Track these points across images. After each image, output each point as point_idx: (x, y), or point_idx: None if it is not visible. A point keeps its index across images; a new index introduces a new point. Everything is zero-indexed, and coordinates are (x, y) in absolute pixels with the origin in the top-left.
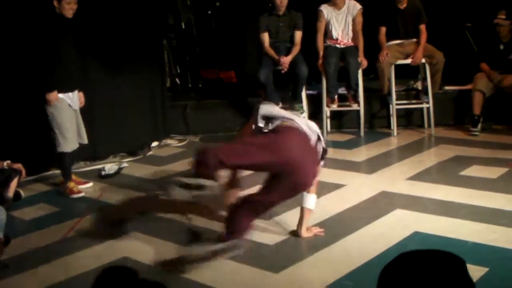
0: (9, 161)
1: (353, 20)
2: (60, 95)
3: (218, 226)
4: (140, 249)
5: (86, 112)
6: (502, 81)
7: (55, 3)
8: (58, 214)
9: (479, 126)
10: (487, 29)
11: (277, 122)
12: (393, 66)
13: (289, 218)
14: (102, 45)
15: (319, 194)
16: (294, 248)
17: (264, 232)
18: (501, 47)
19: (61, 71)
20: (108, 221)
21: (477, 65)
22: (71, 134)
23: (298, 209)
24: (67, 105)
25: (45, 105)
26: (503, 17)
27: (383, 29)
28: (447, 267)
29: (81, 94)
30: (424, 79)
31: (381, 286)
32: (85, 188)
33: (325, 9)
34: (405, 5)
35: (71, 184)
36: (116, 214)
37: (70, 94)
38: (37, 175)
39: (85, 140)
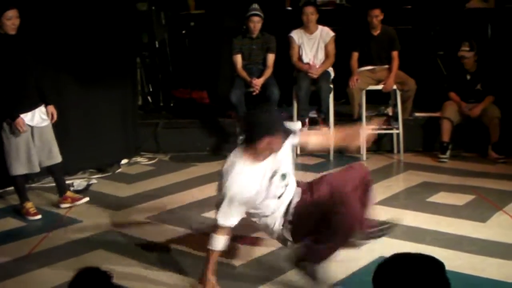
0: None
1: (325, 47)
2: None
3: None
4: (105, 267)
5: (57, 127)
6: (471, 110)
7: None
8: (24, 229)
9: (448, 153)
10: (454, 59)
11: None
12: (364, 92)
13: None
14: (75, 61)
15: None
16: (259, 270)
17: (230, 254)
18: (468, 77)
19: (14, 92)
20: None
21: (447, 94)
22: (26, 156)
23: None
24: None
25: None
26: (467, 49)
27: (355, 55)
28: (430, 267)
29: (51, 108)
30: (395, 105)
31: (376, 281)
32: (81, 204)
33: (296, 34)
34: (378, 31)
35: (28, 205)
36: None
37: (30, 114)
38: (3, 189)
39: (57, 159)
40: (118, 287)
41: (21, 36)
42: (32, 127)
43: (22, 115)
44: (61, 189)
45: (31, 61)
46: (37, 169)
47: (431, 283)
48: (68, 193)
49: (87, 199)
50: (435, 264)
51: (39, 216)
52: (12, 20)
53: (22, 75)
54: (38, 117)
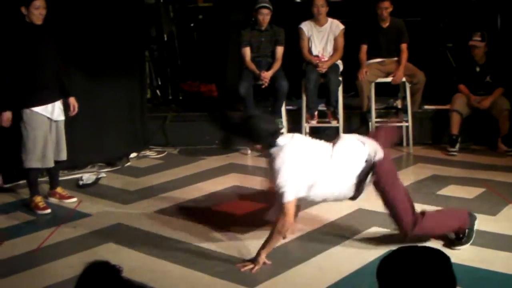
0: None
1: (335, 40)
2: (37, 109)
3: None
4: (115, 260)
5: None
6: (480, 103)
7: (23, 10)
8: (33, 223)
9: (457, 146)
10: (463, 51)
11: None
12: (373, 84)
13: (263, 234)
14: (83, 55)
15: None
16: (269, 264)
17: (238, 247)
18: (477, 69)
19: (34, 83)
20: None
21: (456, 86)
22: (42, 151)
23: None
24: (44, 119)
25: (19, 117)
26: (478, 39)
27: (364, 47)
28: (436, 261)
29: (72, 99)
30: (404, 97)
31: (380, 276)
32: (70, 203)
33: (305, 26)
34: (387, 24)
35: (37, 199)
36: None
37: (50, 106)
38: (14, 183)
39: (64, 157)
40: (127, 281)
41: (47, 27)
42: (51, 120)
43: (42, 107)
44: (54, 183)
45: (54, 53)
46: (52, 164)
47: (436, 276)
48: (58, 189)
49: (75, 199)
50: (441, 257)
51: (48, 210)
52: (39, 10)
53: (44, 66)
54: (57, 111)
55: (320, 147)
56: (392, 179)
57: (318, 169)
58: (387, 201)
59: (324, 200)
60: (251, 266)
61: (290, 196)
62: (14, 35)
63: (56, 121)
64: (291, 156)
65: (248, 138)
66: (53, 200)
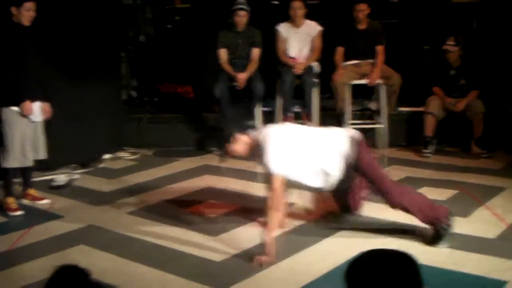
0: None
1: (312, 41)
2: (16, 108)
3: None
4: (86, 262)
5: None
6: (455, 105)
7: (13, 10)
8: (5, 224)
9: (431, 147)
10: (438, 54)
11: None
12: (348, 86)
13: (236, 235)
14: (59, 55)
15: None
16: (241, 265)
17: (211, 249)
18: (452, 72)
19: (20, 80)
20: None
21: (431, 88)
22: (21, 149)
23: (245, 227)
24: (21, 119)
25: None
26: (452, 43)
27: (340, 49)
28: (403, 264)
29: (46, 104)
30: (379, 99)
31: (348, 278)
32: (42, 204)
33: (283, 28)
34: (364, 26)
35: (10, 200)
36: None
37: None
38: None
39: (43, 156)
40: (97, 284)
41: (33, 29)
42: (29, 120)
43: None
44: (26, 184)
45: (36, 55)
46: (31, 163)
47: (403, 279)
48: (31, 191)
49: (48, 201)
50: (408, 260)
51: (20, 212)
52: (30, 12)
53: (26, 67)
54: (37, 111)
55: (304, 128)
56: (372, 158)
57: (302, 144)
58: (372, 176)
59: (309, 183)
60: (266, 258)
61: (276, 168)
62: (1, 34)
63: (34, 122)
64: (274, 135)
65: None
66: (25, 201)
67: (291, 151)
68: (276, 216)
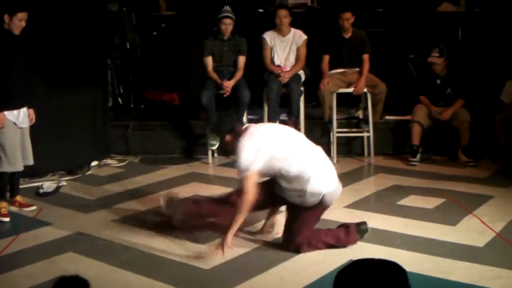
0: None
1: (297, 50)
2: (5, 113)
3: None
4: (75, 269)
5: None
6: (441, 114)
7: (6, 17)
8: None
9: (418, 156)
10: (424, 63)
11: None
12: (334, 94)
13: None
14: (45, 62)
15: (256, 220)
16: (229, 273)
17: (199, 257)
18: (438, 81)
19: (6, 88)
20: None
21: (417, 97)
22: (12, 154)
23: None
24: (12, 124)
25: None
26: (436, 55)
27: (326, 57)
28: (392, 274)
29: (30, 111)
30: (366, 108)
31: (337, 287)
32: (29, 211)
33: (268, 36)
34: (349, 34)
35: (2, 205)
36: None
37: (16, 112)
38: None
39: (30, 161)
40: None
41: (23, 38)
42: (17, 126)
43: (8, 112)
44: (14, 191)
45: (23, 62)
46: (21, 168)
47: None
48: (18, 198)
49: (34, 207)
50: (397, 270)
51: (7, 219)
52: (21, 22)
53: (14, 73)
54: (22, 117)
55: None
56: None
57: (278, 144)
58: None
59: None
60: (220, 250)
61: (246, 167)
62: None
63: (21, 128)
64: (250, 135)
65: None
66: (13, 208)
67: (270, 150)
68: (241, 220)
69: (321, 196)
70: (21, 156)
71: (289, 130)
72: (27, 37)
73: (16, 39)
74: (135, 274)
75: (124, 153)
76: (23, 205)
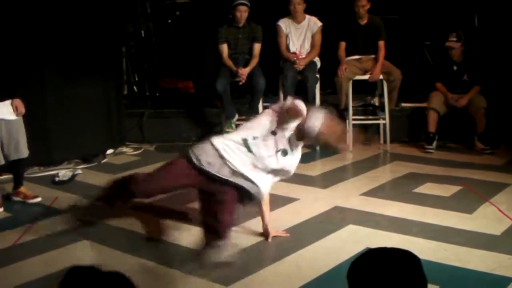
0: None
1: (312, 37)
2: None
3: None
4: (89, 257)
5: (41, 117)
6: (457, 101)
7: None
8: (8, 219)
9: (434, 143)
10: (441, 50)
11: None
12: (351, 82)
13: (242, 230)
14: (60, 51)
15: (272, 207)
16: (246, 261)
17: None
18: (455, 68)
19: None
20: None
21: (433, 84)
22: None
23: (251, 222)
24: None
25: None
26: (454, 39)
27: (342, 44)
28: (406, 263)
29: (17, 101)
30: (381, 95)
31: (351, 277)
32: (34, 202)
33: (283, 23)
34: (365, 21)
35: None
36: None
37: None
38: None
39: (23, 154)
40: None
41: (1, 25)
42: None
43: None
44: (17, 183)
45: (4, 52)
46: (2, 162)
47: (407, 278)
48: (22, 189)
49: (39, 199)
50: (411, 259)
51: (0, 209)
52: None
53: None
54: (5, 110)
55: None
56: None
57: None
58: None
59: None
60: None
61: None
62: None
63: (6, 120)
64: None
65: None
66: (17, 199)
67: None
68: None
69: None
70: (9, 151)
71: None
72: (37, 26)
73: None
74: (148, 261)
75: (139, 141)
76: (27, 197)
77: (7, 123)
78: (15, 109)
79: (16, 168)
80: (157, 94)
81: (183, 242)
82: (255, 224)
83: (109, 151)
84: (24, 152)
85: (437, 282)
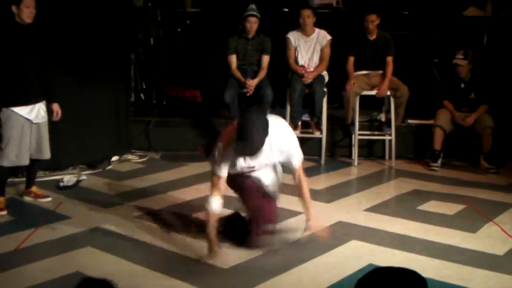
0: None
1: (321, 50)
2: (15, 109)
3: None
4: (93, 264)
5: (48, 122)
6: (464, 120)
7: (14, 8)
8: (12, 223)
9: (439, 161)
10: (449, 67)
11: None
12: (358, 96)
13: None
14: (69, 56)
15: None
16: (249, 273)
17: (219, 256)
18: (462, 85)
19: (16, 83)
20: None
21: (440, 102)
22: (13, 151)
23: None
24: (22, 120)
25: None
26: (461, 57)
27: (351, 59)
28: (412, 284)
29: (55, 106)
30: (388, 111)
31: None
32: (44, 202)
33: (292, 36)
34: (374, 36)
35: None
36: None
37: (28, 108)
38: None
39: (46, 156)
40: None
41: (35, 27)
42: (30, 122)
43: (20, 107)
44: (30, 182)
45: (38, 54)
46: (26, 162)
47: None
48: (34, 188)
49: (49, 199)
50: (417, 280)
51: (4, 212)
52: (30, 8)
53: (27, 67)
54: (37, 112)
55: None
56: None
57: None
58: None
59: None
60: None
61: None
62: (1, 34)
63: (36, 123)
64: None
65: None
66: (28, 199)
67: None
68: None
69: None
70: (28, 151)
71: None
72: (42, 27)
73: (28, 29)
74: (153, 271)
75: (145, 149)
76: (38, 196)
77: (37, 125)
78: (56, 114)
79: (33, 167)
80: (164, 102)
81: (188, 253)
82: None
83: (115, 158)
84: (46, 153)
85: None
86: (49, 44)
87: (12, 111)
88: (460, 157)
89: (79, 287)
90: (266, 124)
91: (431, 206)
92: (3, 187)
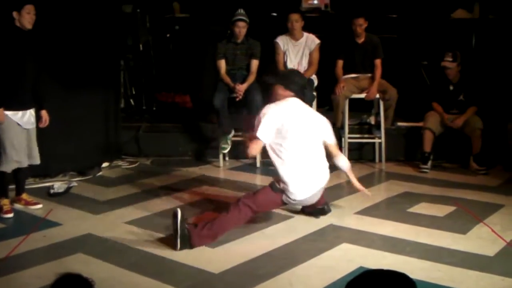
0: None
1: (310, 54)
2: (8, 113)
3: None
4: (84, 270)
5: (37, 128)
6: (453, 122)
7: (15, 14)
8: (2, 231)
9: (429, 163)
10: (437, 69)
11: None
12: (347, 100)
13: (235, 247)
14: (58, 62)
15: (266, 225)
16: (239, 277)
17: (209, 260)
18: (451, 87)
19: (12, 87)
20: None
21: (429, 104)
22: (12, 154)
23: (244, 239)
24: (14, 124)
25: None
26: (449, 59)
27: (340, 62)
28: (401, 285)
29: (43, 112)
30: (377, 114)
31: None
32: (35, 209)
33: (281, 40)
34: (363, 39)
35: (4, 202)
36: None
37: (20, 113)
38: None
39: (37, 161)
40: None
41: (35, 33)
42: (21, 127)
43: (13, 112)
44: (20, 189)
45: (34, 60)
46: (25, 164)
47: None
48: (24, 195)
49: (40, 206)
50: (406, 282)
51: (10, 215)
52: (30, 14)
53: (22, 72)
54: (28, 119)
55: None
56: None
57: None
58: None
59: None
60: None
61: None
62: (1, 38)
63: (26, 129)
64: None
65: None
66: (18, 206)
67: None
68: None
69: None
70: (25, 156)
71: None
72: (40, 33)
73: (27, 34)
74: (144, 277)
75: (135, 154)
76: (29, 203)
77: (28, 131)
78: (44, 121)
79: (20, 175)
80: (154, 108)
81: (179, 258)
82: (249, 241)
83: (105, 164)
84: (37, 159)
85: None
86: (44, 49)
87: (6, 115)
88: (450, 159)
89: (57, 282)
90: None
91: (422, 208)
92: (6, 189)
